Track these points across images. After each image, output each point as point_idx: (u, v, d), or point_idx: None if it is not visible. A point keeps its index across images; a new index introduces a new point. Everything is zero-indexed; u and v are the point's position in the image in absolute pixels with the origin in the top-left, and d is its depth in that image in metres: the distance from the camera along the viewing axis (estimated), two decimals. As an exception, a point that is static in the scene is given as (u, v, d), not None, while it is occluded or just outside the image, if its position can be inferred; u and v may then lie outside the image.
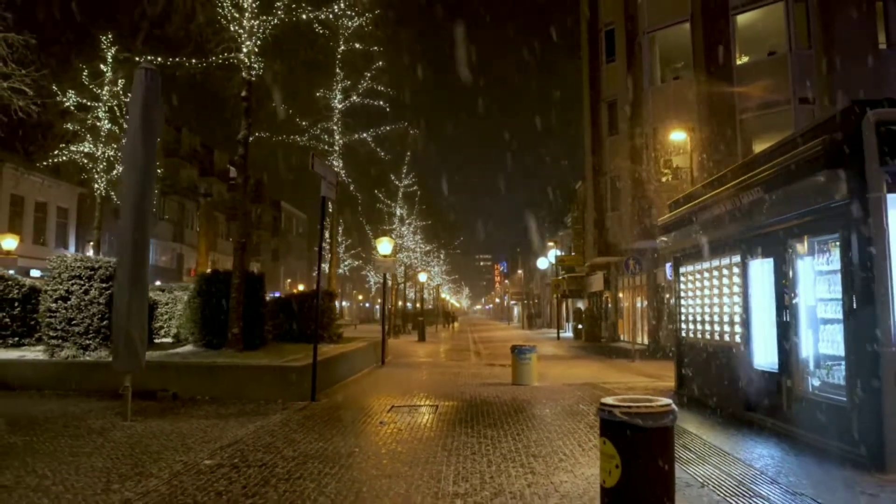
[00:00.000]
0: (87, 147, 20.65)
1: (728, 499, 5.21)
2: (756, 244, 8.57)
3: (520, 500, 5.19)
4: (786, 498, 5.26)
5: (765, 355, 8.49)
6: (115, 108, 20.54)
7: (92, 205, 37.39)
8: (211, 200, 48.54)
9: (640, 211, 23.84)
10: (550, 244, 47.80)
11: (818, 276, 7.41)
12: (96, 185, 21.16)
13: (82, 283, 12.07)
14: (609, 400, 4.63)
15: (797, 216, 7.38)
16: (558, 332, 39.30)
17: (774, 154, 7.87)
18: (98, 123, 20.52)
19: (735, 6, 20.98)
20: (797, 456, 6.75)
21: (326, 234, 50.82)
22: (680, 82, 22.98)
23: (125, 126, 20.18)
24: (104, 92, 20.40)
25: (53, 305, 11.97)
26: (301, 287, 60.92)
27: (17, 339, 13.27)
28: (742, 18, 21.04)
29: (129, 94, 20.50)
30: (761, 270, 8.57)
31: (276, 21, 12.76)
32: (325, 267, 56.50)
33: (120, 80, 20.44)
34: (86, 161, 21.01)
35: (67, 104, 19.70)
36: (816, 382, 7.45)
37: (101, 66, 20.36)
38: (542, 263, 51.33)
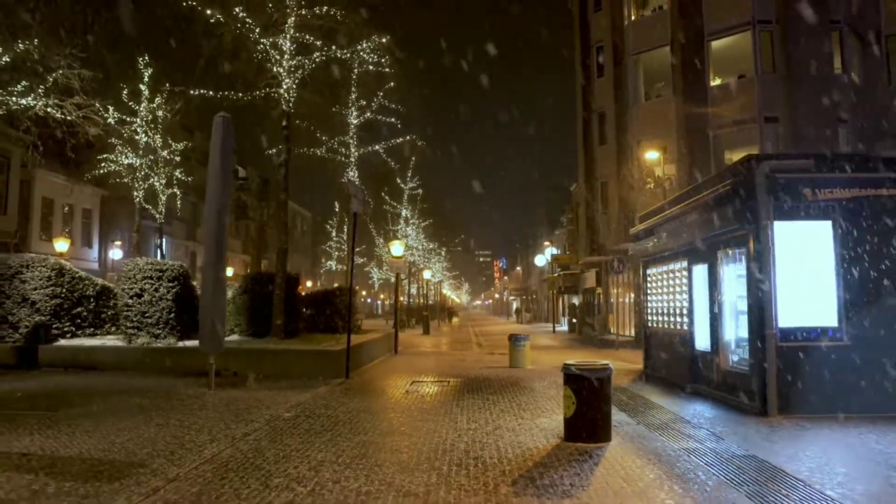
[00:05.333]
0: (127, 158, 22.91)
1: (651, 431, 7.73)
2: (696, 253, 11.05)
3: (512, 431, 7.70)
4: (690, 429, 7.79)
5: (703, 339, 10.97)
6: (150, 123, 22.78)
7: (113, 206, 39.75)
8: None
9: (626, 215, 26.31)
10: (547, 243, 50.28)
11: (737, 278, 9.91)
12: (135, 193, 23.36)
13: (153, 282, 14.55)
14: (570, 361, 7.16)
15: (720, 234, 9.89)
16: (554, 326, 41.83)
17: (705, 186, 10.38)
18: (136, 137, 22.83)
19: (710, 33, 23.40)
20: (715, 409, 9.29)
21: (333, 236, 52.58)
22: (661, 100, 25.43)
23: (156, 138, 22.68)
24: (141, 108, 22.73)
25: (130, 301, 14.45)
26: (308, 284, 63.24)
27: (92, 329, 15.76)
28: (716, 44, 23.47)
29: (164, 112, 22.84)
30: (701, 273, 11.05)
31: (313, 65, 15.18)
32: (333, 264, 58.20)
33: (157, 98, 22.77)
34: (125, 172, 23.25)
35: (108, 119, 22.02)
36: (735, 358, 9.97)
37: (140, 86, 22.68)
38: (540, 261, 53.86)
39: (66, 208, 37.34)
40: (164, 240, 27.15)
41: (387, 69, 21.49)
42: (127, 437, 7.19)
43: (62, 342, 14.60)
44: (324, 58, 15.69)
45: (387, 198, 39.69)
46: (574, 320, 38.25)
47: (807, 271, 8.79)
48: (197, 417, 8.53)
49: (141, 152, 22.97)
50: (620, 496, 5.14)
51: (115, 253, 40.14)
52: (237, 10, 13.88)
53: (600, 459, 6.32)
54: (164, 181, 23.47)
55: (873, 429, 7.57)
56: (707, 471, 5.89)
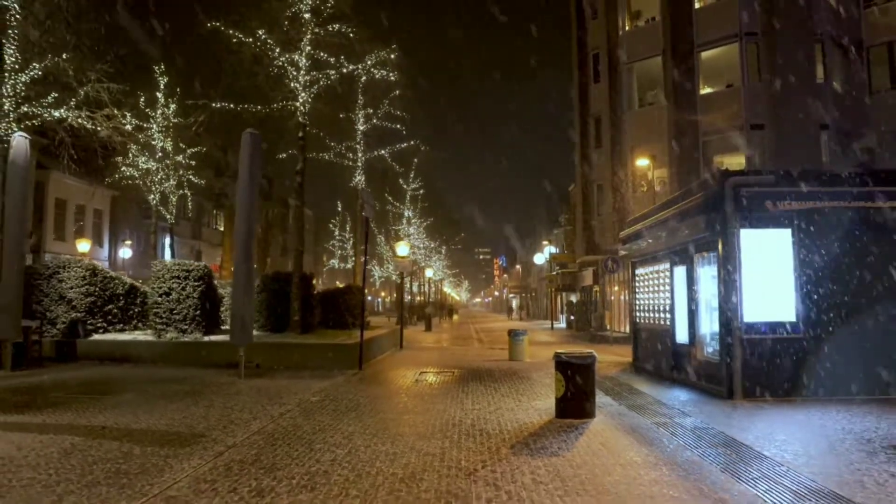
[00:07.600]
0: (144, 163, 24.00)
1: (631, 410, 8.98)
2: (677, 255, 12.29)
3: (511, 410, 8.95)
4: (664, 409, 9.04)
5: (683, 333, 12.20)
6: (165, 128, 23.88)
7: (122, 206, 40.79)
8: (228, 202, 52.06)
9: (620, 216, 27.54)
10: (545, 242, 51.50)
11: (710, 279, 11.13)
12: (151, 196, 24.43)
13: (180, 281, 15.78)
14: (560, 351, 8.40)
15: (696, 239, 11.12)
16: (552, 323, 43.09)
17: (682, 197, 11.62)
18: (153, 142, 23.95)
19: (700, 44, 24.64)
20: (689, 394, 10.53)
21: (336, 234, 53.53)
22: (653, 107, 26.67)
23: (167, 142, 23.79)
24: (157, 114, 23.85)
25: (159, 299, 15.68)
26: (312, 282, 64.23)
27: (121, 325, 16.98)
28: (705, 55, 24.70)
29: (178, 119, 23.89)
30: (680, 274, 12.28)
31: (328, 81, 16.40)
32: (335, 262, 59.29)
33: (172, 105, 23.89)
34: (141, 175, 24.29)
35: (127, 125, 23.13)
36: (710, 350, 11.21)
37: (157, 94, 23.79)
38: (539, 259, 55.10)
39: (76, 209, 38.51)
40: (173, 239, 28.38)
41: (392, 78, 22.72)
42: (182, 415, 8.43)
43: (96, 337, 15.83)
44: (337, 75, 16.89)
45: (389, 198, 40.88)
46: (572, 317, 39.46)
47: (769, 273, 10.02)
48: (236, 400, 9.77)
49: (159, 156, 24.09)
50: (598, 455, 6.38)
51: (125, 252, 41.37)
52: (259, 32, 15.09)
53: (584, 430, 7.56)
54: (174, 183, 24.62)
55: (821, 409, 8.81)
56: (671, 438, 7.13)
